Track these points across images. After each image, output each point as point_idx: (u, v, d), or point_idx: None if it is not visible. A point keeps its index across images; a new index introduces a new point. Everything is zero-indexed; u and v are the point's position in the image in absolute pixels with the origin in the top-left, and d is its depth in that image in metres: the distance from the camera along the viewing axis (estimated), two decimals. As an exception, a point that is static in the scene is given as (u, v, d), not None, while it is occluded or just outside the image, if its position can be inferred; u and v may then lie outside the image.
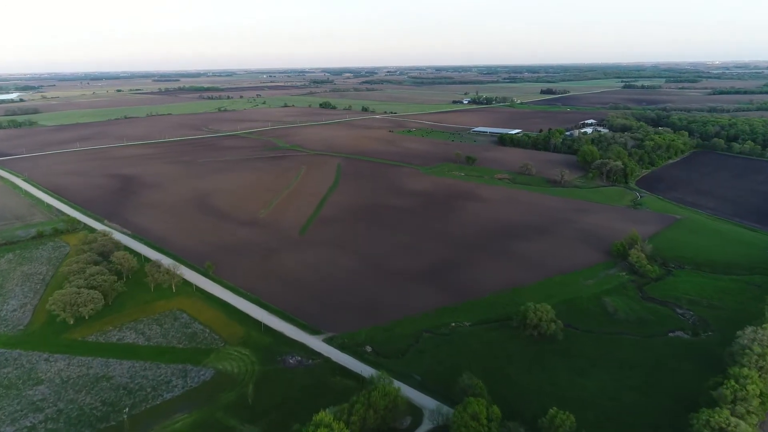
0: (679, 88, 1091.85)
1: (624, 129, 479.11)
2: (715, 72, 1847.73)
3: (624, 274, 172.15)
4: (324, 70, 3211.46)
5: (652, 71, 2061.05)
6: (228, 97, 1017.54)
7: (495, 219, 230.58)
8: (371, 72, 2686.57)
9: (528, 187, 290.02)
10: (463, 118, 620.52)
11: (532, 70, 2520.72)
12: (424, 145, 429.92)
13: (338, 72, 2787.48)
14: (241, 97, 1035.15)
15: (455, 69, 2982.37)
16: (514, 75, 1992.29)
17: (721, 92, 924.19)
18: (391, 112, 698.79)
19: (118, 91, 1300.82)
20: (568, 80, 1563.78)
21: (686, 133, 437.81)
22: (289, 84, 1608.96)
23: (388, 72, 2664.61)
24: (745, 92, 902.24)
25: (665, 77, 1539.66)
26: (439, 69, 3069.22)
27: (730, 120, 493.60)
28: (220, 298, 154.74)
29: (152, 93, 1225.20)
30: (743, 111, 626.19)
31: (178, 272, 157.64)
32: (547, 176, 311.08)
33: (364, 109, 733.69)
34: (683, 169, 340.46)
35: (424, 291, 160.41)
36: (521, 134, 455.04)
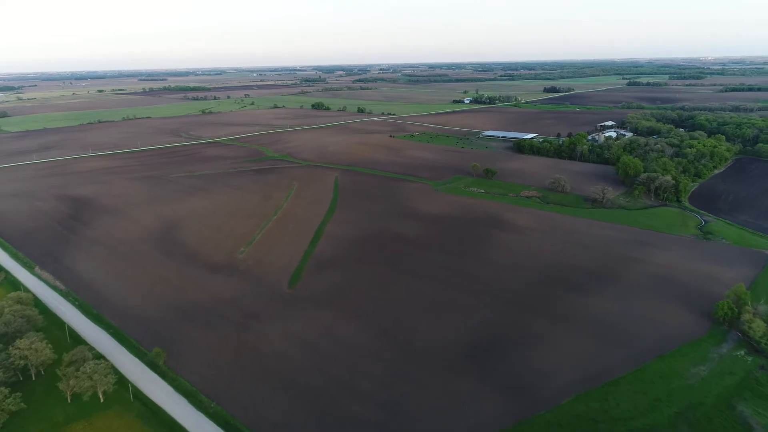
0: (687, 85, 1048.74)
1: (651, 133, 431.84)
2: (715, 67, 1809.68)
3: (743, 353, 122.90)
4: (316, 68, 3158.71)
5: (650, 67, 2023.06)
6: (215, 98, 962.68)
7: (536, 256, 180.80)
8: (364, 69, 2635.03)
9: (565, 209, 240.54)
10: (468, 120, 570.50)
11: (528, 66, 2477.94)
12: (431, 153, 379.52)
13: (330, 70, 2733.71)
14: (229, 97, 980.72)
15: (449, 66, 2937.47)
16: (510, 72, 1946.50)
17: (733, 89, 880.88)
18: (390, 114, 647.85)
19: (100, 91, 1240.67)
20: (567, 77, 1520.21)
21: (723, 137, 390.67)
22: (279, 83, 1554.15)
23: (381, 70, 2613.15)
24: (759, 89, 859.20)
25: (666, 73, 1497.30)
26: (432, 66, 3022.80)
27: (763, 120, 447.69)
28: (171, 416, 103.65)
29: (135, 93, 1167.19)
30: (765, 110, 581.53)
31: (106, 377, 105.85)
32: (584, 193, 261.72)
33: (360, 111, 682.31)
34: (735, 182, 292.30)
35: (466, 391, 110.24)
36: (540, 140, 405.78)
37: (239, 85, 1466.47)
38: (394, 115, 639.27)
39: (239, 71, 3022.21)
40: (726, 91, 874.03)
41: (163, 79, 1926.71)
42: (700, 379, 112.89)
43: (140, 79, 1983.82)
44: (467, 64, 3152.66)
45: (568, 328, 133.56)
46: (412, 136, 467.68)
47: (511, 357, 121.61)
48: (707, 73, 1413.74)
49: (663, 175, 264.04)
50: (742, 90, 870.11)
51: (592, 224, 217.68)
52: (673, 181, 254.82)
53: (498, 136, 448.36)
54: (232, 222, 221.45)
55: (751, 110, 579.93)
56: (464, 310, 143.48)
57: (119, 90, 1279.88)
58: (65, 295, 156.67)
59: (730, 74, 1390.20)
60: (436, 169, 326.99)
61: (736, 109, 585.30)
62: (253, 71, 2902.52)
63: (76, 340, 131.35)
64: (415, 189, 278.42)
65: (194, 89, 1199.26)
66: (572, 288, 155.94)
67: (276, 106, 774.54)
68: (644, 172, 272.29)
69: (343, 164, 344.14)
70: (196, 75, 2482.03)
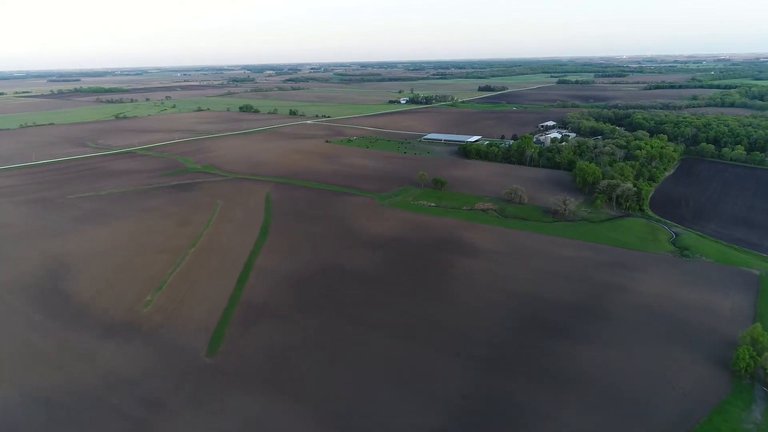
0: (612, 83, 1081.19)
1: (594, 133, 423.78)
2: (633, 66, 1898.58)
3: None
4: (244, 68, 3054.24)
5: (573, 66, 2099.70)
6: (132, 100, 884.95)
7: (506, 290, 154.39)
8: (294, 69, 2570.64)
9: (526, 225, 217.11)
10: (408, 122, 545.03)
11: (458, 65, 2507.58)
12: (373, 161, 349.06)
13: (259, 69, 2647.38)
14: (148, 99, 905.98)
15: (380, 65, 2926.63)
16: (442, 71, 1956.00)
17: (657, 87, 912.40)
18: (324, 116, 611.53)
19: (1, 94, 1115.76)
20: (498, 75, 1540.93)
21: (665, 136, 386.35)
22: (205, 83, 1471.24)
23: (312, 69, 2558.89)
24: (680, 86, 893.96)
25: (591, 72, 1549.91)
26: (364, 65, 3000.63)
27: (698, 118, 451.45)
28: None
29: (42, 96, 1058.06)
30: (693, 107, 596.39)
31: None
32: (543, 204, 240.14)
33: (292, 113, 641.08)
34: (689, 185, 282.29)
35: None
36: (485, 143, 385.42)
37: (161, 86, 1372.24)
38: (328, 117, 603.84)
39: (162, 71, 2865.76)
40: (649, 88, 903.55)
41: (76, 80, 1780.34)
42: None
43: (50, 80, 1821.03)
44: (399, 63, 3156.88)
45: (564, 396, 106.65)
46: (349, 140, 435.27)
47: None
48: (627, 71, 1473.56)
49: (622, 181, 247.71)
50: (664, 87, 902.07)
51: (560, 243, 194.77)
52: (635, 189, 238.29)
53: (441, 140, 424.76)
54: (138, 259, 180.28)
55: (680, 107, 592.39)
56: (435, 377, 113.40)
57: (23, 93, 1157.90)
58: None
59: (649, 72, 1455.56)
60: (379, 179, 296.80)
61: (666, 106, 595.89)
62: (177, 71, 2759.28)
63: None
64: (359, 204, 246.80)
65: (109, 91, 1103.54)
66: (556, 333, 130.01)
67: (200, 109, 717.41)
68: (603, 178, 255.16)
69: (275, 176, 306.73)
70: (115, 75, 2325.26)
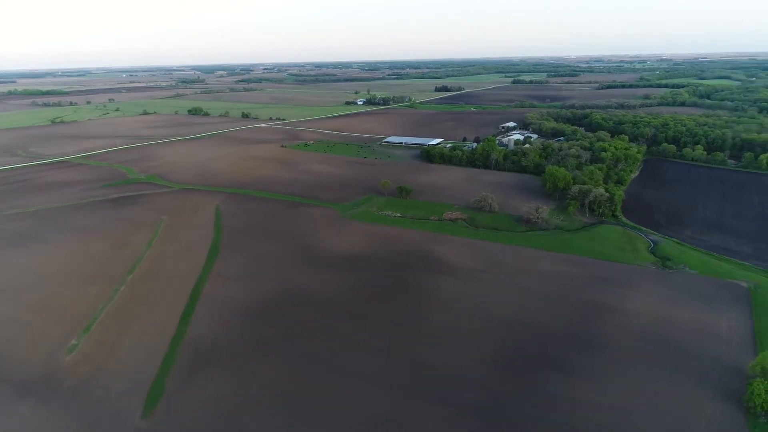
0: (566, 83, 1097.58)
1: (556, 134, 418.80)
2: (582, 66, 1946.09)
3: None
4: (194, 68, 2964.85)
5: (526, 66, 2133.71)
6: (71, 104, 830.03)
7: (488, 315, 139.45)
8: (247, 69, 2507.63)
9: (499, 236, 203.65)
10: (366, 125, 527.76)
11: (413, 65, 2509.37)
12: (332, 167, 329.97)
13: (210, 70, 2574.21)
14: (89, 102, 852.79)
15: (335, 65, 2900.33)
16: (398, 71, 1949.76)
17: (609, 86, 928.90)
18: (279, 119, 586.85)
19: None
20: (453, 75, 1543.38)
21: (626, 137, 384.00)
22: (152, 84, 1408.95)
23: (265, 69, 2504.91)
24: (631, 86, 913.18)
25: (543, 71, 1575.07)
26: (318, 65, 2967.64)
27: (655, 118, 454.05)
28: None
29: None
30: (647, 107, 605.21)
31: None
32: (514, 212, 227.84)
33: (245, 116, 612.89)
34: (657, 188, 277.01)
35: None
36: (447, 146, 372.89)
37: (105, 87, 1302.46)
38: (283, 120, 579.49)
39: (107, 72, 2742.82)
40: (602, 88, 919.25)
41: (11, 82, 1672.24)
42: None
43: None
44: (354, 63, 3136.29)
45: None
46: (306, 144, 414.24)
47: None
48: (579, 71, 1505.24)
49: (593, 186, 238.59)
50: (616, 87, 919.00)
51: (538, 256, 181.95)
52: (608, 194, 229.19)
53: (402, 143, 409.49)
54: (65, 292, 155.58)
55: (634, 107, 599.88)
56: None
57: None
58: None
59: (598, 72, 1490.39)
60: (340, 187, 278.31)
61: (621, 106, 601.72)
62: (123, 72, 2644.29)
63: None
64: (320, 217, 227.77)
65: (47, 93, 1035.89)
66: (550, 367, 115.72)
67: (146, 113, 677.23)
68: (573, 183, 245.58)
69: (227, 186, 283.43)
70: (56, 76, 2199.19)
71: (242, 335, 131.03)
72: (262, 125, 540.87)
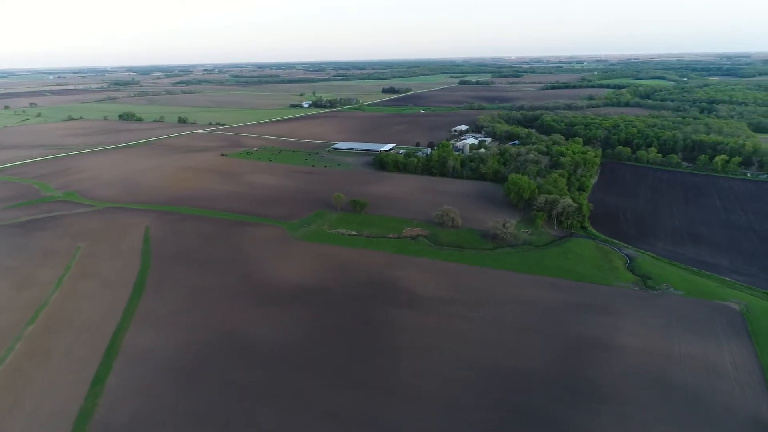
0: (511, 83, 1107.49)
1: (510, 137, 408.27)
2: (524, 66, 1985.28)
3: None
4: (129, 69, 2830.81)
5: (470, 66, 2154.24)
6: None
7: (470, 361, 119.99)
8: (185, 70, 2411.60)
9: (466, 255, 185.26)
10: (313, 129, 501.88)
11: (358, 66, 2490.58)
12: (278, 178, 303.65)
13: (146, 71, 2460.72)
14: (7, 107, 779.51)
15: (278, 66, 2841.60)
16: (343, 72, 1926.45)
17: (553, 87, 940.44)
18: (219, 124, 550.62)
19: None
20: (399, 77, 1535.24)
21: (581, 140, 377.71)
22: (82, 87, 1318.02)
23: (205, 70, 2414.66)
24: (575, 86, 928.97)
25: (488, 72, 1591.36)
26: (261, 66, 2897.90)
27: (605, 119, 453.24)
28: None
29: None
30: (593, 107, 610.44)
31: None
32: (479, 226, 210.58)
33: (182, 121, 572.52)
34: (618, 195, 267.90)
35: None
36: (400, 151, 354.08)
37: (27, 90, 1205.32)
38: (224, 125, 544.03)
39: (33, 73, 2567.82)
40: (547, 88, 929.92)
41: None
42: None
43: None
44: (297, 64, 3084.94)
45: None
46: (249, 152, 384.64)
47: None
48: (522, 72, 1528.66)
49: (558, 194, 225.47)
50: (560, 87, 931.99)
51: (511, 280, 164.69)
52: (576, 205, 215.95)
53: (352, 149, 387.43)
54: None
55: (582, 108, 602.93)
56: None
57: None
58: None
59: (540, 72, 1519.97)
60: (287, 201, 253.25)
61: (569, 107, 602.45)
62: (50, 73, 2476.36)
63: None
64: (265, 238, 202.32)
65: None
66: (548, 428, 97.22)
67: (71, 118, 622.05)
68: (538, 192, 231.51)
69: (158, 203, 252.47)
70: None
71: (170, 405, 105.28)
72: (201, 131, 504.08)
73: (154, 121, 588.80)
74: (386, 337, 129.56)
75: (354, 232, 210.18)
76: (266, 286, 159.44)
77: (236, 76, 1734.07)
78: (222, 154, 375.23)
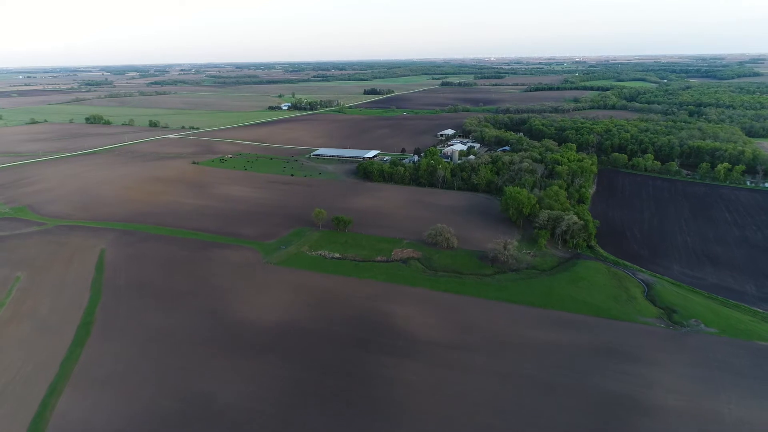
0: (494, 85, 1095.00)
1: (500, 143, 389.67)
2: (505, 67, 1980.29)
3: None
4: (104, 69, 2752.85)
5: (450, 67, 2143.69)
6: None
7: (479, 429, 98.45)
8: (161, 70, 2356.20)
9: (467, 285, 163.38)
10: (292, 133, 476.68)
11: (338, 66, 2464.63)
12: (254, 189, 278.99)
13: (121, 71, 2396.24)
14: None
15: (257, 66, 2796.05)
16: (323, 72, 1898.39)
17: (537, 89, 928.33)
18: (193, 128, 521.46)
19: None
20: (380, 78, 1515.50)
21: (574, 146, 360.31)
22: (51, 87, 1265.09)
23: (182, 70, 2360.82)
24: (558, 88, 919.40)
25: (470, 73, 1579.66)
26: (239, 66, 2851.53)
27: (595, 123, 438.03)
28: None
29: None
30: (580, 110, 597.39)
31: None
32: (476, 247, 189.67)
33: (153, 125, 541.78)
34: (621, 208, 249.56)
35: None
36: (385, 158, 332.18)
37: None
38: (198, 129, 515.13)
39: (1, 72, 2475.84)
40: (530, 90, 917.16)
41: None
42: None
43: None
44: (277, 64, 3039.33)
45: None
46: (222, 160, 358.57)
47: None
48: (503, 73, 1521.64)
49: (560, 208, 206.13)
50: (543, 89, 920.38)
51: (520, 316, 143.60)
52: (582, 222, 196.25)
53: (334, 156, 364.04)
54: None
55: (568, 110, 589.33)
56: None
57: None
58: None
59: (522, 74, 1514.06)
60: (262, 217, 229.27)
61: (555, 110, 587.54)
62: (19, 72, 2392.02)
63: None
64: (237, 265, 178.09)
65: None
66: None
67: (34, 121, 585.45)
68: (539, 207, 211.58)
69: (118, 220, 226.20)
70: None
71: None
72: (172, 135, 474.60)
73: (123, 124, 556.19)
74: (378, 398, 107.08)
75: (338, 255, 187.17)
76: (236, 328, 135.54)
77: (213, 77, 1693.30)
78: (193, 162, 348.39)
